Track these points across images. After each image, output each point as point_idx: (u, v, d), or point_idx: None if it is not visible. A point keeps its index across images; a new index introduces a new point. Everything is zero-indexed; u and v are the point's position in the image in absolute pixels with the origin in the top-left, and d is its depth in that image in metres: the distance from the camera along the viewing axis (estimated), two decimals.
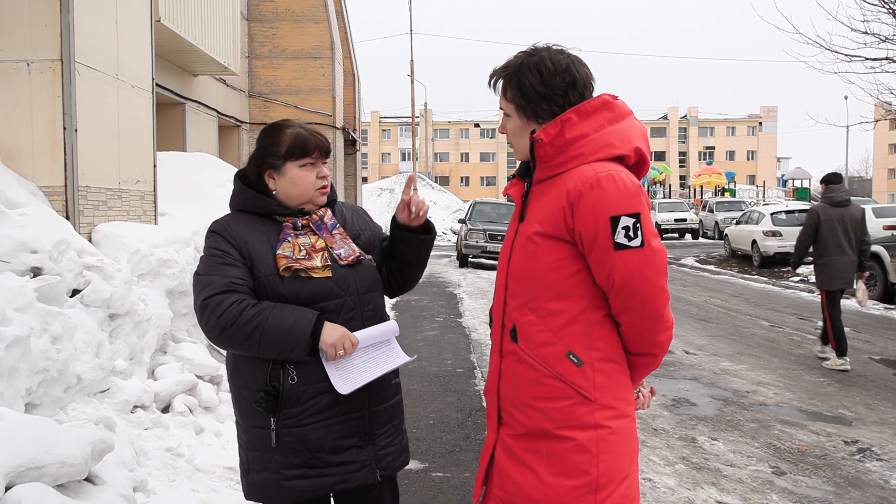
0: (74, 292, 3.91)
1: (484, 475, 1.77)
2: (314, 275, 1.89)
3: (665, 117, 71.95)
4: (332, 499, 2.05)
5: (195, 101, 10.77)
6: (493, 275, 14.92)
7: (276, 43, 14.25)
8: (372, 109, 71.71)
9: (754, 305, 10.59)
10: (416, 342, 7.81)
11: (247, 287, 1.85)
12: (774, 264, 15.84)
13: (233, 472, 3.54)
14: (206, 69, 10.38)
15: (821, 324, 6.93)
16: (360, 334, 1.91)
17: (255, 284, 1.87)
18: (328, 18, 14.47)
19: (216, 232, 1.94)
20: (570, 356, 1.61)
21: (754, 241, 16.51)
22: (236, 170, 2.23)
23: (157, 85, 6.11)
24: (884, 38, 10.91)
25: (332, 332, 1.84)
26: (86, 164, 4.81)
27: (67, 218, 4.56)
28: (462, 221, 18.30)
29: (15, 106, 4.61)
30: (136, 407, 3.81)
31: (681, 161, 69.81)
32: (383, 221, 23.50)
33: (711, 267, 16.84)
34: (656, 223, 29.35)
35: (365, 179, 58.06)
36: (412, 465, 4.06)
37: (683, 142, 70.80)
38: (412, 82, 28.88)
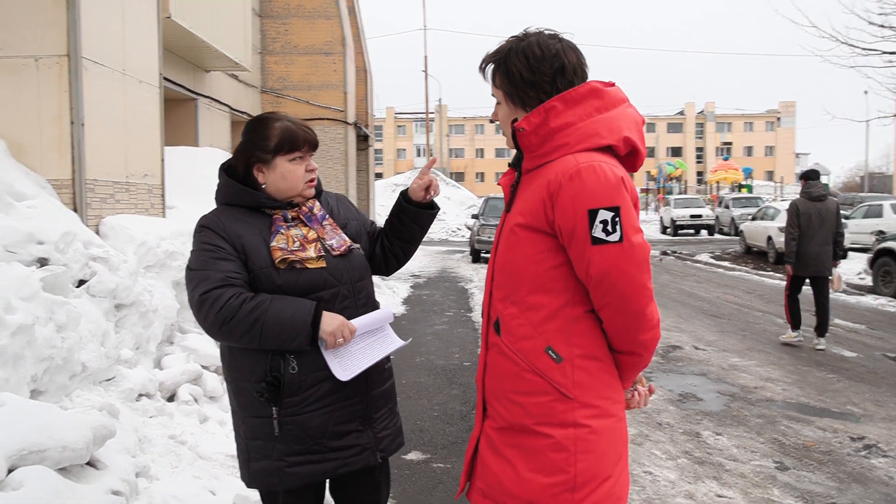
0: (81, 283, 3.97)
1: (469, 466, 1.76)
2: (309, 265, 1.91)
3: (682, 112, 71.38)
4: (327, 484, 2.08)
5: (207, 97, 10.83)
6: None
7: (287, 39, 14.31)
8: (387, 105, 71.86)
9: (768, 302, 10.47)
10: (426, 336, 7.84)
11: (242, 281, 1.87)
12: None
13: (235, 459, 3.57)
14: (217, 65, 10.44)
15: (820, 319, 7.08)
16: (357, 322, 1.93)
17: (251, 277, 1.89)
18: (340, 14, 14.51)
19: (207, 227, 1.95)
20: (549, 351, 1.56)
21: (770, 238, 16.29)
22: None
23: (169, 80, 6.17)
24: None
25: (331, 321, 1.86)
26: (93, 158, 4.88)
27: (75, 210, 4.63)
28: (475, 217, 18.34)
29: (23, 101, 4.68)
30: (141, 395, 3.86)
31: (698, 157, 69.24)
32: None
33: (726, 263, 16.65)
34: (672, 219, 29.10)
35: (380, 175, 58.20)
36: (414, 455, 4.09)
37: (700, 137, 70.19)
38: (426, 78, 28.88)
